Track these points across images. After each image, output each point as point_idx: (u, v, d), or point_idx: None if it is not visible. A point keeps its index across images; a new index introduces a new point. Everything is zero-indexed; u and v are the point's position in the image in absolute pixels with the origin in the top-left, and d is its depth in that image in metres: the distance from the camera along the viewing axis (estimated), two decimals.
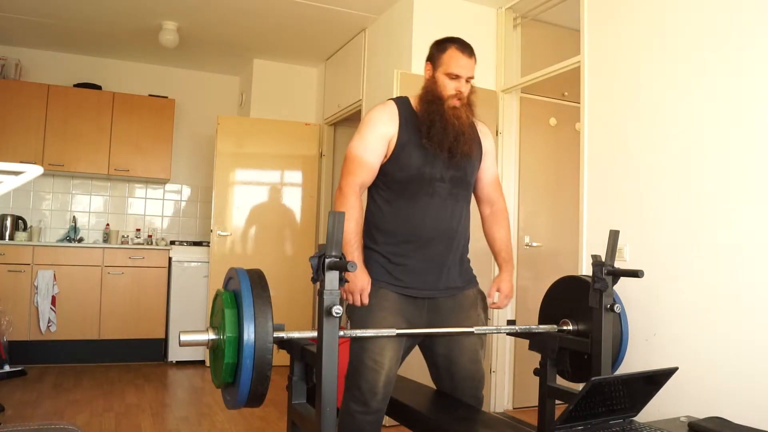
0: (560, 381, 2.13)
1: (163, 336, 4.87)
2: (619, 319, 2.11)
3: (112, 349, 4.71)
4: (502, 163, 3.71)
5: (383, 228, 1.99)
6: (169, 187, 5.53)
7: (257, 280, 1.60)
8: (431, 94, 1.99)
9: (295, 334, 1.70)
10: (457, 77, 1.97)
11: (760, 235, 2.12)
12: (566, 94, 3.98)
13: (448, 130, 1.94)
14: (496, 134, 3.70)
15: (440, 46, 2.03)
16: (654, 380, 1.57)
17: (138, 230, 5.32)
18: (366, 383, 1.87)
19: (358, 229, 1.94)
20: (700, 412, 1.97)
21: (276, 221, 4.98)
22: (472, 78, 2.02)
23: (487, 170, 2.15)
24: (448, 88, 1.98)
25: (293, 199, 5.06)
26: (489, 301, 2.12)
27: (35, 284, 4.45)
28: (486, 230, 2.19)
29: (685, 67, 2.45)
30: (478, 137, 2.11)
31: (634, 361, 2.43)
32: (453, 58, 1.97)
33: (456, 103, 1.98)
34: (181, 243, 5.20)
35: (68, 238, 5.03)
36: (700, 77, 2.39)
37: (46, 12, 4.26)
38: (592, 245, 2.88)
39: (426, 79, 2.04)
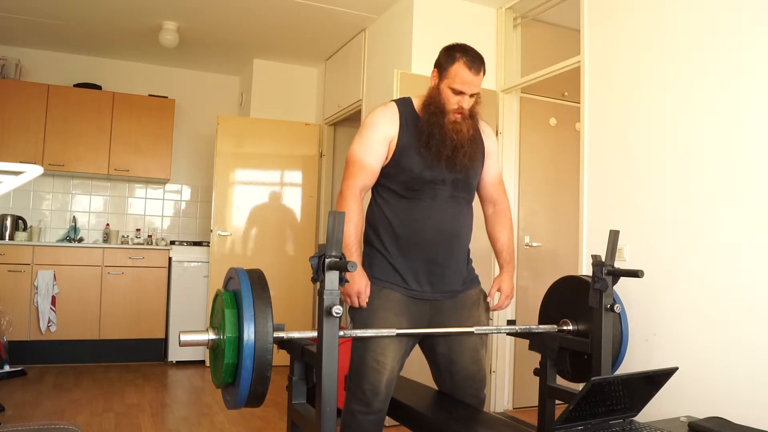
0: (560, 381, 2.13)
1: (163, 336, 4.87)
2: (619, 319, 2.10)
3: (112, 349, 4.72)
4: (502, 163, 3.70)
5: (386, 229, 1.98)
6: (169, 187, 5.53)
7: (257, 280, 1.60)
8: (434, 105, 1.95)
9: (295, 334, 1.70)
10: (461, 93, 1.93)
11: (760, 235, 2.12)
12: (566, 94, 3.98)
13: (446, 143, 1.92)
14: (496, 134, 3.70)
15: (449, 56, 1.94)
16: (654, 380, 1.57)
17: (138, 230, 5.33)
18: (368, 383, 1.87)
19: (358, 233, 1.93)
20: (700, 412, 1.97)
21: (276, 221, 4.99)
22: (477, 93, 1.97)
23: (489, 170, 2.13)
24: (451, 101, 1.94)
25: (293, 199, 5.06)
26: (489, 301, 2.12)
27: (35, 284, 4.45)
28: (488, 230, 2.19)
29: (685, 67, 2.45)
30: (481, 140, 2.09)
31: (634, 361, 2.43)
32: (459, 74, 1.91)
33: (457, 116, 1.95)
34: (181, 243, 5.20)
35: (68, 238, 5.03)
36: (700, 77, 2.39)
37: (46, 12, 4.25)
38: (592, 245, 2.88)
39: (431, 87, 1.99)
